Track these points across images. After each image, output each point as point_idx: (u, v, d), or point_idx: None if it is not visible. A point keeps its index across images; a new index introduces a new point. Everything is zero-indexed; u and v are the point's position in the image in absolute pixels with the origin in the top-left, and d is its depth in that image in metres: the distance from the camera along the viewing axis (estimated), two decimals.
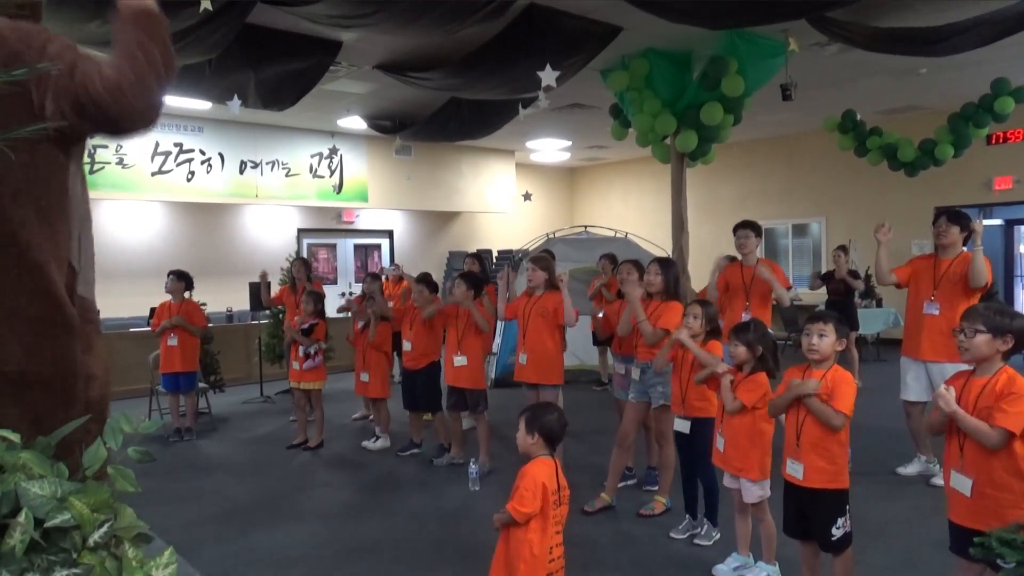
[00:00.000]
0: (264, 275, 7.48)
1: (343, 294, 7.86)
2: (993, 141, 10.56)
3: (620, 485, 4.75)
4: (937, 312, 4.73)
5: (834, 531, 2.98)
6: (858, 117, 8.66)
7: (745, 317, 4.98)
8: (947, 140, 8.23)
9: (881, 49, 6.49)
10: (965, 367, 2.76)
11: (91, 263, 1.77)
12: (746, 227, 5.42)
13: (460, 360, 5.39)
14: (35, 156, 1.53)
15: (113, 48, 1.53)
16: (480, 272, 6.80)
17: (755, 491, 3.44)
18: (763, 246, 5.86)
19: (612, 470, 4.61)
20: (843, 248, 8.44)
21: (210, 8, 4.62)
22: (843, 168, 11.59)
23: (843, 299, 8.22)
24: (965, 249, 4.75)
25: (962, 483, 2.61)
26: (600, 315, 6.04)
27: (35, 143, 1.49)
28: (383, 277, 7.95)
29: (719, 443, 3.55)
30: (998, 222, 11.87)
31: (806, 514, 3.06)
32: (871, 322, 9.95)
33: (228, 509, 4.80)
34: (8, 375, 1.54)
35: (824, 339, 3.02)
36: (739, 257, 5.48)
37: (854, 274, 8.34)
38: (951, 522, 2.71)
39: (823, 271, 9.38)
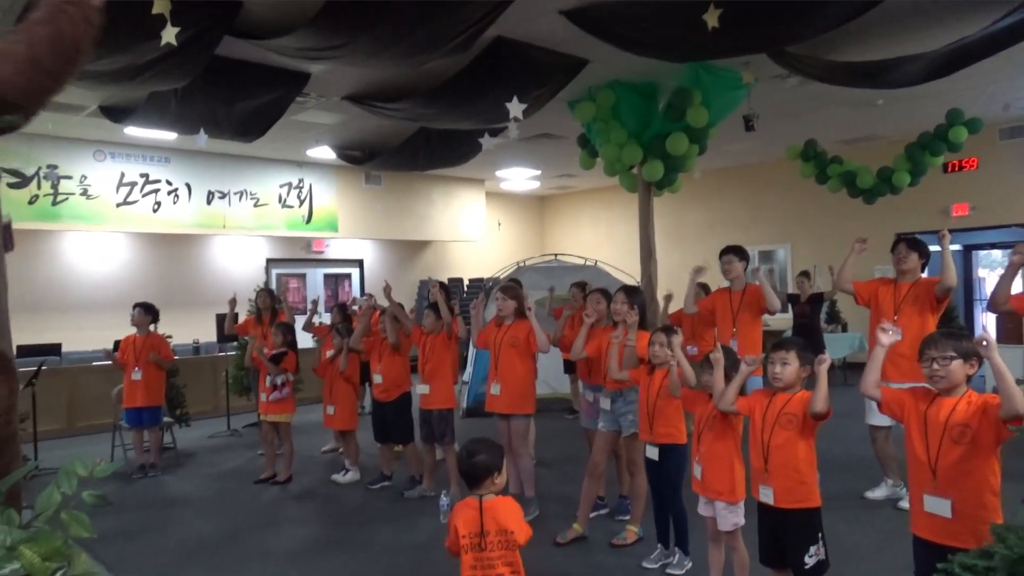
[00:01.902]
0: (233, 301, 7.38)
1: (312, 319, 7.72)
2: (950, 169, 10.89)
3: (592, 515, 4.73)
4: (899, 336, 4.81)
5: (807, 559, 2.99)
6: (819, 146, 8.88)
7: (732, 344, 5.01)
8: (904, 168, 8.47)
9: (836, 81, 6.69)
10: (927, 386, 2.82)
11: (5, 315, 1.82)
12: (729, 252, 5.45)
13: (423, 388, 5.44)
14: None
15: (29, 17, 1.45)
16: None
17: (730, 519, 3.44)
18: None
19: (584, 500, 4.58)
20: (805, 273, 8.72)
21: (173, 43, 4.59)
22: (806, 195, 11.84)
23: (809, 321, 8.38)
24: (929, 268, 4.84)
25: (939, 505, 2.63)
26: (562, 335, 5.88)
27: None
28: (355, 308, 7.88)
29: (696, 471, 3.55)
30: (957, 247, 12.18)
31: (779, 539, 3.08)
32: (837, 347, 10.10)
33: (193, 547, 4.69)
34: None
35: (787, 367, 3.08)
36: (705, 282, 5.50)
37: (817, 297, 8.51)
38: (922, 543, 2.70)
39: (787, 294, 9.55)
